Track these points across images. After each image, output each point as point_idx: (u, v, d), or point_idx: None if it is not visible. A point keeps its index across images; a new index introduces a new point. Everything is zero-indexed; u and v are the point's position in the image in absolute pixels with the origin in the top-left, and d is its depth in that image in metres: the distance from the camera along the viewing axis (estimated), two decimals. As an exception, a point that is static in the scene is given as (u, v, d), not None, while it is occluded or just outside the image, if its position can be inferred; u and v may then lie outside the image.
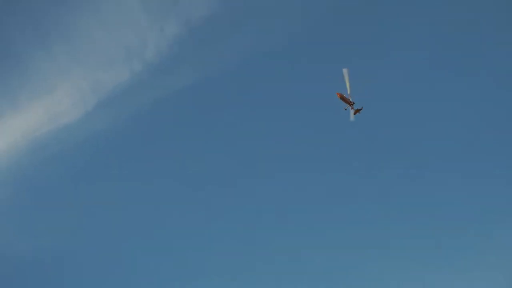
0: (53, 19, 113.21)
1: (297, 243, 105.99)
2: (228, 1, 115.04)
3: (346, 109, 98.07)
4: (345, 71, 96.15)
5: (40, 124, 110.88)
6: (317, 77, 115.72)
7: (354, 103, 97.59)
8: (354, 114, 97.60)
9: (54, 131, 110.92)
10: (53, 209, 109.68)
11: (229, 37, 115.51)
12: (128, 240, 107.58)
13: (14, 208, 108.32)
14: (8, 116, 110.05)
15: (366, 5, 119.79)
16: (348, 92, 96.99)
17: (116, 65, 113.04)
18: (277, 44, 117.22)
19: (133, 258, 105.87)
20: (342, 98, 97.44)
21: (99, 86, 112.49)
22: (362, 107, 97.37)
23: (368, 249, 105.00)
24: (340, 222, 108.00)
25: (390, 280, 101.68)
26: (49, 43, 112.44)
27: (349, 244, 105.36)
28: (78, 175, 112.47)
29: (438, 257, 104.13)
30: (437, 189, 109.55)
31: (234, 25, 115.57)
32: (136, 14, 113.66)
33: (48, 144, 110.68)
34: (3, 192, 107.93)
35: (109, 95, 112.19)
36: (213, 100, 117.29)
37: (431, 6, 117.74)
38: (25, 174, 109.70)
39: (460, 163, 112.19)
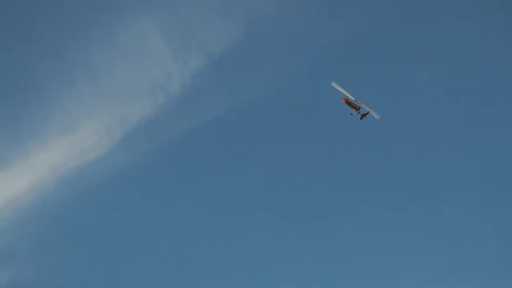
0: (77, 57, 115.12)
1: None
2: (250, 33, 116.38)
3: (352, 114, 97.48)
4: (334, 84, 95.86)
5: (67, 160, 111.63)
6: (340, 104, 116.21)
7: (360, 107, 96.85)
8: (361, 118, 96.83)
9: (80, 167, 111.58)
10: (81, 245, 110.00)
11: (251, 68, 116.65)
12: (164, 275, 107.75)
13: (42, 245, 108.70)
14: (35, 153, 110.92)
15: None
16: (353, 98, 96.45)
17: (141, 98, 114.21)
18: (299, 74, 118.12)
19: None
20: (348, 102, 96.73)
21: (124, 120, 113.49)
22: (368, 111, 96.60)
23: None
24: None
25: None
26: (74, 80, 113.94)
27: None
28: (107, 210, 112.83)
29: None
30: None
31: (256, 56, 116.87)
32: (159, 49, 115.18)
33: (75, 180, 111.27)
34: (31, 229, 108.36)
35: (134, 128, 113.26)
36: (236, 130, 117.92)
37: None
38: (53, 211, 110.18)
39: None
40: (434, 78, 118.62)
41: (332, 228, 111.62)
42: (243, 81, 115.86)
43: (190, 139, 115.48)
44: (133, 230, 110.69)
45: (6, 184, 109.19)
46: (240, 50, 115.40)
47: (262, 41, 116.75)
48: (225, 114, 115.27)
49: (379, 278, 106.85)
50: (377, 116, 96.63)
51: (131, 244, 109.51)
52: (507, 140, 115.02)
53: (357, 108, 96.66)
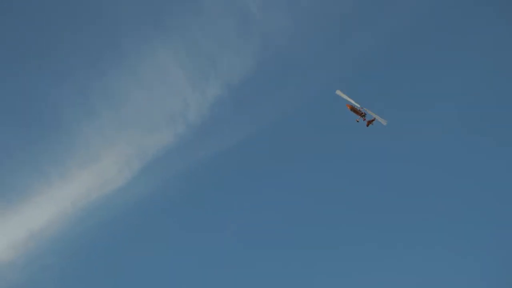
0: (97, 88, 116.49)
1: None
2: (266, 58, 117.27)
3: (358, 121, 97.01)
4: (338, 92, 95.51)
5: (89, 191, 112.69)
6: (361, 130, 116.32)
7: (365, 114, 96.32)
8: (367, 125, 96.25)
9: (102, 198, 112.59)
10: (104, 276, 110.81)
11: (269, 94, 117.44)
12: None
13: (65, 277, 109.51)
14: (57, 185, 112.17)
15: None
16: (358, 105, 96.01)
17: (160, 129, 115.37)
18: (317, 101, 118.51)
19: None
20: (353, 109, 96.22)
21: (144, 151, 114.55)
22: (374, 118, 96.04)
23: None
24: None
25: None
26: (95, 111, 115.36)
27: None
28: (128, 240, 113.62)
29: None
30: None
31: (274, 82, 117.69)
32: (177, 78, 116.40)
33: (97, 211, 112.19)
34: (54, 261, 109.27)
35: (154, 158, 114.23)
36: (255, 157, 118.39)
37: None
38: (75, 242, 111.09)
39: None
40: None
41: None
42: (261, 108, 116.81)
43: (209, 167, 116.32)
44: (155, 260, 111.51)
45: (29, 216, 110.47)
46: (257, 77, 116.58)
47: (279, 66, 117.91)
48: (243, 142, 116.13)
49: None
50: (384, 122, 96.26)
51: (153, 274, 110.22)
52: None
53: (362, 115, 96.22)
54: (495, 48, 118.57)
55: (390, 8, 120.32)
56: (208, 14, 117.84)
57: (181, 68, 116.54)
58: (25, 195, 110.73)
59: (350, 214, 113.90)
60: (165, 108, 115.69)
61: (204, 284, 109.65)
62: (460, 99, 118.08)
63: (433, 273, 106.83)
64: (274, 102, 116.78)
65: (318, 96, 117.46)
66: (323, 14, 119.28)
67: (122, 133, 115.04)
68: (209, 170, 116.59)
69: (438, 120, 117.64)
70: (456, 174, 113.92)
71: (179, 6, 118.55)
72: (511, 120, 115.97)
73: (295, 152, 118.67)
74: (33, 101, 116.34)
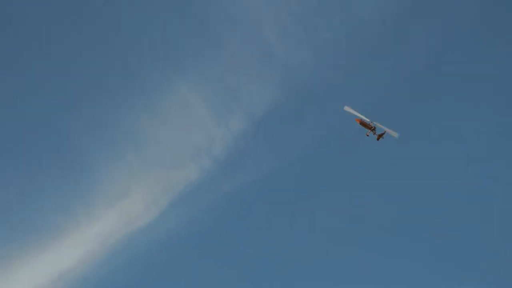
0: (122, 127, 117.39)
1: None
2: (288, 89, 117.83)
3: (368, 135, 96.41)
4: (347, 108, 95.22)
5: (116, 230, 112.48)
6: (384, 160, 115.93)
7: (375, 127, 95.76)
8: (378, 139, 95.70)
9: (130, 236, 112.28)
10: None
11: (293, 125, 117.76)
12: None
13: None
14: (86, 224, 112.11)
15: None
16: (368, 120, 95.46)
17: (185, 164, 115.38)
18: (340, 126, 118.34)
19: None
20: (363, 124, 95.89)
21: (171, 187, 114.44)
22: (384, 131, 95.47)
23: None
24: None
25: None
26: (120, 150, 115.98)
27: None
28: (157, 277, 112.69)
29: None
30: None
31: (297, 113, 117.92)
32: (201, 113, 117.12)
33: (125, 249, 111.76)
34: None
35: (181, 194, 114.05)
36: (282, 189, 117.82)
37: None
38: (104, 281, 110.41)
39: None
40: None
41: None
42: (286, 139, 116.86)
43: (236, 201, 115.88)
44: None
45: (58, 256, 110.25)
46: (280, 108, 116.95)
47: (301, 97, 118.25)
48: (270, 174, 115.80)
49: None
50: (395, 135, 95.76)
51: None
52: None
53: (372, 129, 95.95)
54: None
55: (409, 39, 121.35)
56: (227, 48, 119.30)
57: (203, 103, 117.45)
58: (53, 235, 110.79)
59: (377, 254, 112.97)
60: (189, 144, 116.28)
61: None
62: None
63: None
64: (297, 133, 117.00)
65: (341, 127, 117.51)
66: (343, 46, 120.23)
67: (148, 171, 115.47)
68: (236, 204, 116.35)
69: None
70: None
71: (198, 42, 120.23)
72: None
73: (319, 184, 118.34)
74: (59, 141, 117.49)
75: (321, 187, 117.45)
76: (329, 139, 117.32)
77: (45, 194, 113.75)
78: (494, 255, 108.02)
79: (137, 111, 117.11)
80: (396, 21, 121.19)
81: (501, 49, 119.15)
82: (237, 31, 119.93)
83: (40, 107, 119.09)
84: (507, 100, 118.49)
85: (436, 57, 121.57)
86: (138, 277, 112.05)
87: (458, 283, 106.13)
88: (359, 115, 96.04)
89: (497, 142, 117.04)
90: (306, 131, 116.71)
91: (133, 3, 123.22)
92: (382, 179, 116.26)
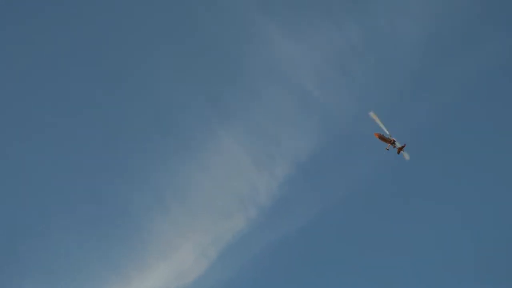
0: (165, 179, 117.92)
1: None
2: (329, 136, 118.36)
3: (388, 149, 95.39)
4: (371, 114, 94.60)
5: (167, 284, 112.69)
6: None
7: (395, 140, 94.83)
8: (398, 153, 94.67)
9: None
10: None
11: (336, 169, 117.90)
12: None
13: None
14: (136, 280, 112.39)
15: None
16: (388, 132, 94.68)
17: (231, 214, 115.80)
18: (383, 170, 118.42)
19: None
20: (382, 138, 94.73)
21: (219, 238, 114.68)
22: (405, 144, 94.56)
23: None
24: None
25: None
26: (166, 205, 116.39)
27: None
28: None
29: None
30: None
31: (339, 157, 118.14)
32: (243, 162, 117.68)
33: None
34: None
35: (229, 244, 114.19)
36: (330, 234, 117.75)
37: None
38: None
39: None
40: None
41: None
42: (330, 184, 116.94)
43: (284, 248, 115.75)
44: None
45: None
46: (322, 152, 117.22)
47: (342, 140, 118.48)
48: (316, 218, 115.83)
49: None
50: (407, 157, 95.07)
51: None
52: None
53: (392, 142, 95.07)
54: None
55: (444, 78, 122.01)
56: (266, 96, 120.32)
57: (245, 151, 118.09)
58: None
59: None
60: (234, 193, 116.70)
61: None
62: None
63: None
64: (342, 177, 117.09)
65: (385, 169, 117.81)
66: (380, 89, 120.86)
67: (195, 223, 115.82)
68: (284, 251, 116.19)
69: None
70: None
71: (237, 90, 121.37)
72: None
73: (367, 229, 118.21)
74: (104, 196, 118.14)
75: (368, 232, 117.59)
76: (373, 182, 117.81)
77: (93, 252, 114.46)
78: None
79: (180, 162, 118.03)
80: (431, 60, 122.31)
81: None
82: (275, 79, 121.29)
83: (85, 164, 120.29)
84: None
85: (470, 96, 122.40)
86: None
87: None
88: (381, 125, 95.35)
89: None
90: (350, 174, 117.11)
91: (172, 54, 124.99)
92: (428, 221, 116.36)
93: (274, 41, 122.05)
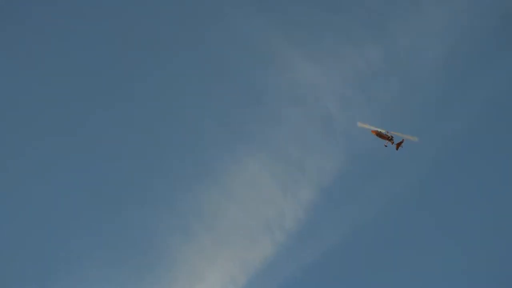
0: (191, 208, 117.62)
1: None
2: (354, 159, 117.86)
3: (386, 146, 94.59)
4: (360, 124, 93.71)
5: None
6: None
7: (392, 136, 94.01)
8: (397, 149, 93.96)
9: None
10: None
11: (361, 192, 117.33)
12: None
13: None
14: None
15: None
16: (383, 130, 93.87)
17: (258, 239, 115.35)
18: (408, 193, 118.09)
19: None
20: (379, 135, 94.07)
21: (246, 265, 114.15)
22: (403, 140, 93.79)
23: None
24: None
25: None
26: (192, 232, 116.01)
27: None
28: None
29: None
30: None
31: (364, 182, 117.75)
32: (269, 187, 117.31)
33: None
34: None
35: (257, 270, 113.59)
36: (357, 256, 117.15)
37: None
38: None
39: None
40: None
41: None
42: (356, 206, 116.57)
43: (312, 272, 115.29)
44: None
45: None
46: (346, 175, 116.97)
47: (366, 163, 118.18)
48: (343, 241, 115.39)
49: None
50: (415, 139, 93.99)
51: None
52: None
53: (390, 139, 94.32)
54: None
55: (469, 96, 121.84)
56: (289, 120, 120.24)
57: (270, 177, 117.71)
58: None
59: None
60: (260, 219, 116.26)
61: None
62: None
63: None
64: (366, 200, 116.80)
65: (409, 190, 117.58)
66: (403, 110, 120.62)
67: (222, 250, 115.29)
68: (312, 275, 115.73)
69: None
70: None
71: (260, 115, 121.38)
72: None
73: (393, 249, 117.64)
74: (130, 225, 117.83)
75: (397, 254, 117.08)
76: (399, 205, 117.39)
77: (118, 277, 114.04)
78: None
79: (205, 188, 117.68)
80: (453, 79, 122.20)
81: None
82: (297, 103, 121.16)
83: (109, 190, 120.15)
84: None
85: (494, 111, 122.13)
86: None
87: None
88: (373, 128, 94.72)
89: None
90: (375, 197, 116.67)
91: (194, 80, 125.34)
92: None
93: (296, 65, 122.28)
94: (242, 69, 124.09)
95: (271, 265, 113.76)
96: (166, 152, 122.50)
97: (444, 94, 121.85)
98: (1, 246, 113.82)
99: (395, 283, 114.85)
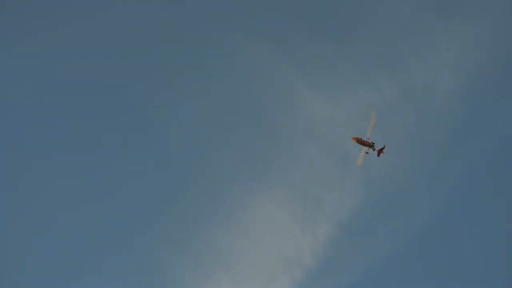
0: (208, 245, 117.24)
1: None
2: (371, 195, 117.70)
3: (368, 153, 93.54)
4: (373, 113, 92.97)
5: None
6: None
7: (374, 143, 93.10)
8: (379, 155, 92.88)
9: None
10: None
11: (379, 227, 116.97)
12: None
13: None
14: None
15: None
16: (368, 134, 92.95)
17: (277, 277, 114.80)
18: (426, 228, 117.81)
19: None
20: (360, 142, 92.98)
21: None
22: (384, 145, 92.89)
23: None
24: None
25: None
26: (210, 271, 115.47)
27: None
28: None
29: None
30: None
31: (382, 218, 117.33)
32: (286, 225, 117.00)
33: None
34: None
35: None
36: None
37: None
38: None
39: None
40: None
41: None
42: (374, 243, 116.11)
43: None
44: None
45: None
46: (364, 211, 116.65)
47: (384, 199, 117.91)
48: (363, 278, 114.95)
49: None
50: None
51: None
52: None
53: (371, 145, 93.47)
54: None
55: (482, 132, 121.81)
56: (306, 157, 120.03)
57: (288, 214, 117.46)
58: None
59: None
60: (279, 256, 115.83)
61: None
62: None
63: None
64: (384, 236, 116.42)
65: (427, 225, 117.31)
66: (419, 144, 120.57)
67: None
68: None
69: None
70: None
71: (277, 154, 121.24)
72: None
73: (414, 282, 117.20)
74: (147, 266, 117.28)
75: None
76: (418, 241, 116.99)
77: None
78: None
79: (221, 226, 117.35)
80: (468, 112, 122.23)
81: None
82: (313, 139, 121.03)
83: (125, 230, 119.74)
84: None
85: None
86: None
87: None
88: (372, 125, 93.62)
89: None
90: (393, 234, 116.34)
91: (210, 118, 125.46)
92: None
93: (310, 101, 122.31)
94: (257, 107, 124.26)
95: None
96: (181, 189, 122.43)
97: (460, 126, 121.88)
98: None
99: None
